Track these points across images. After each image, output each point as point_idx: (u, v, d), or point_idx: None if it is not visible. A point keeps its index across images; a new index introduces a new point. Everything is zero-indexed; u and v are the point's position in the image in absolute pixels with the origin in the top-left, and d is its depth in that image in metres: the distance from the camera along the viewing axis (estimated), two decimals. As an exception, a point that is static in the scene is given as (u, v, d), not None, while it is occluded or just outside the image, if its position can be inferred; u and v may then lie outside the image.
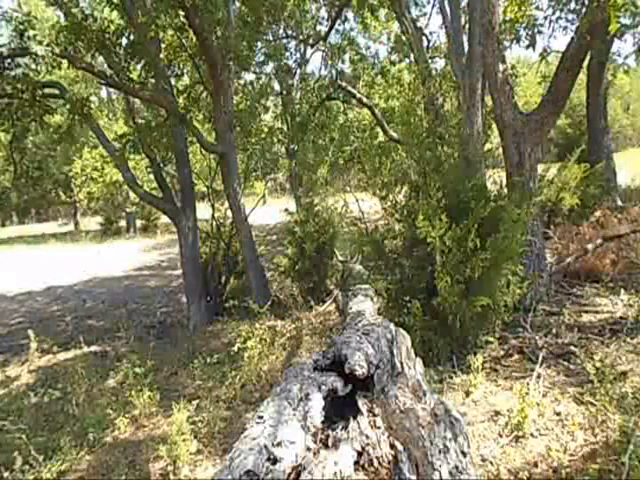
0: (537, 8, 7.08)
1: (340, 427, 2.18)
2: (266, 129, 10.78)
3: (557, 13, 8.47)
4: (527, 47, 6.34)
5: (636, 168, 13.83)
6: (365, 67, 13.83)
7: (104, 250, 18.33)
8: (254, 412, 2.01)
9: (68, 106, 6.66)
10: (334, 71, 13.17)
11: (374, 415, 2.39)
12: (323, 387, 2.14)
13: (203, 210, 8.36)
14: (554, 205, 8.21)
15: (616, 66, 11.50)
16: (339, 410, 2.26)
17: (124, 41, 6.70)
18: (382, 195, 4.59)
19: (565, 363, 3.68)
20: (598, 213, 8.20)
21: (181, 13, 6.03)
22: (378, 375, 2.29)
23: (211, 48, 6.10)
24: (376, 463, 2.20)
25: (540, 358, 3.70)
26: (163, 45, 7.03)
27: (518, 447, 2.76)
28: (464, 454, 1.76)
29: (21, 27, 6.24)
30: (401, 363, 2.39)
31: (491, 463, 2.64)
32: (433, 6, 12.61)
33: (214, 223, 7.83)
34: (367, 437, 2.25)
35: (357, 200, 8.96)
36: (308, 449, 1.88)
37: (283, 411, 1.93)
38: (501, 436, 2.88)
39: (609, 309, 4.71)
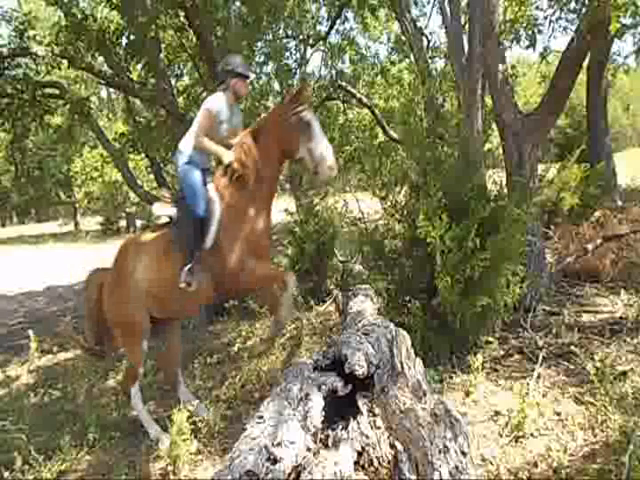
0: (537, 8, 7.07)
1: (340, 427, 2.18)
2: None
3: (557, 13, 8.47)
4: (527, 47, 6.35)
5: (636, 168, 13.83)
6: (365, 67, 13.82)
7: (104, 250, 18.32)
8: (254, 412, 2.01)
9: (68, 106, 6.66)
10: (334, 71, 13.16)
11: (374, 415, 2.40)
12: (323, 387, 2.14)
13: (203, 210, 8.33)
14: (554, 205, 8.20)
15: (616, 66, 11.49)
16: (339, 410, 2.26)
17: (124, 41, 6.71)
18: (382, 195, 4.58)
19: (565, 363, 3.68)
20: (598, 213, 8.20)
21: (181, 13, 6.04)
22: (378, 375, 2.29)
23: (211, 48, 6.10)
24: (376, 463, 2.20)
25: (540, 358, 3.69)
26: (163, 45, 7.03)
27: (518, 447, 2.75)
28: (464, 454, 1.76)
29: (21, 27, 6.25)
30: (401, 363, 2.39)
31: (491, 463, 2.63)
32: (433, 6, 12.59)
33: (214, 223, 7.81)
34: (367, 437, 2.25)
35: (357, 200, 8.94)
36: (308, 449, 1.88)
37: (283, 411, 1.93)
38: (501, 436, 2.88)
39: (609, 309, 4.70)
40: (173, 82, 7.57)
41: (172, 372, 3.85)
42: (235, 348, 4.44)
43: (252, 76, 3.59)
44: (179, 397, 3.76)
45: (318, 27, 13.85)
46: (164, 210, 3.39)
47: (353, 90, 12.45)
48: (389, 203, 4.56)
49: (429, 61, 11.65)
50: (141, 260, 3.36)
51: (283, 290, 3.18)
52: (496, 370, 3.77)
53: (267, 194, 3.34)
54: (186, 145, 3.41)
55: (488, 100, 7.54)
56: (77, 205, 27.68)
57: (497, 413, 3.13)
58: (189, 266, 3.14)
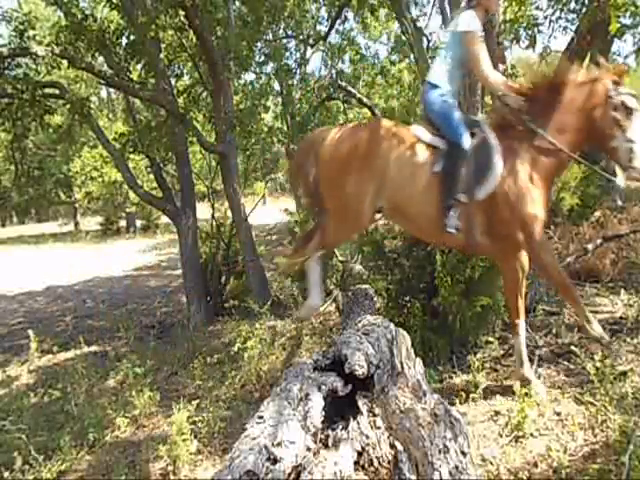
0: (537, 8, 7.07)
1: (340, 427, 2.18)
2: (266, 129, 10.79)
3: (557, 13, 8.45)
4: (527, 47, 6.33)
5: (636, 168, 13.80)
6: (365, 67, 13.82)
7: (104, 250, 18.33)
8: (254, 412, 2.01)
9: (68, 106, 6.66)
10: (334, 71, 13.16)
11: (374, 415, 2.39)
12: (323, 387, 2.14)
13: (203, 210, 8.36)
14: (554, 205, 8.20)
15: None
16: (339, 410, 2.26)
17: (124, 41, 6.71)
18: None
19: (565, 363, 3.68)
20: (598, 213, 8.19)
21: (181, 13, 6.03)
22: (378, 375, 2.29)
23: (211, 48, 6.10)
24: (376, 463, 2.20)
25: (540, 358, 3.70)
26: (163, 45, 7.02)
27: (518, 447, 2.76)
28: (464, 454, 1.76)
29: (21, 27, 6.24)
30: (401, 363, 2.39)
31: (491, 463, 2.64)
32: (433, 6, 12.60)
33: (214, 223, 7.83)
34: (367, 437, 2.25)
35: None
36: (308, 449, 1.88)
37: (283, 411, 1.93)
38: (501, 436, 2.88)
39: (609, 309, 4.70)
40: (173, 82, 7.56)
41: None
42: (235, 348, 4.43)
43: None
44: (308, 268, 3.43)
45: (318, 27, 13.86)
46: (430, 137, 2.97)
47: (353, 90, 12.43)
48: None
49: (429, 61, 11.64)
50: (398, 162, 2.94)
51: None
52: (496, 370, 3.77)
53: (551, 166, 2.88)
54: (440, 78, 3.03)
55: (488, 100, 7.53)
56: (77, 205, 27.65)
57: (497, 413, 3.13)
58: (454, 210, 2.76)
